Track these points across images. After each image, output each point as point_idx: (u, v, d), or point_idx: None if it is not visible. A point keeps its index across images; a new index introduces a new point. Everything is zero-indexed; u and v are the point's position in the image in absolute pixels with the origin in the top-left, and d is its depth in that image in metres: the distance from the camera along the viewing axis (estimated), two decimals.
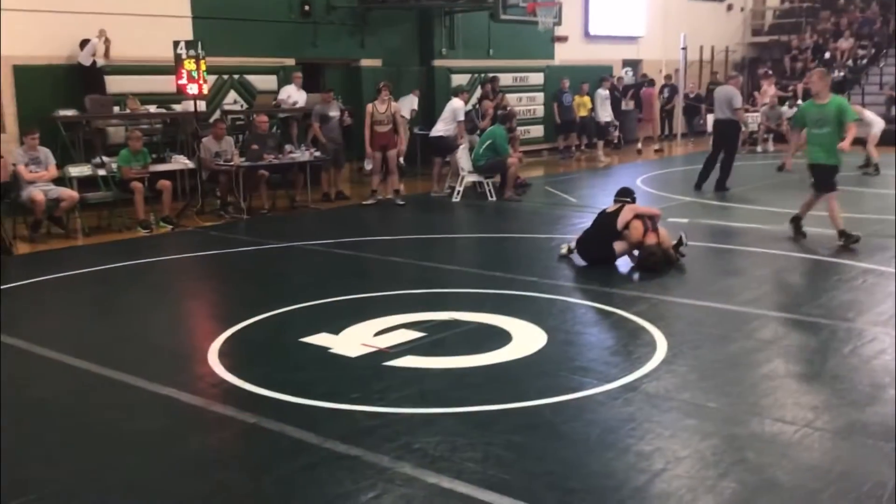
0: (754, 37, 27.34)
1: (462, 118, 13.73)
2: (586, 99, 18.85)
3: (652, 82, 21.44)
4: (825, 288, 7.43)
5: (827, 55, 24.45)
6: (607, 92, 18.67)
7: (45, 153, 10.33)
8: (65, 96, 12.27)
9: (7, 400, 4.89)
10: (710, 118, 20.40)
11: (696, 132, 21.60)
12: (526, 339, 5.87)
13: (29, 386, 5.20)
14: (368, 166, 12.76)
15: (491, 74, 17.76)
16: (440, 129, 13.77)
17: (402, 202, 12.52)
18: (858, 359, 5.45)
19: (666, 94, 21.59)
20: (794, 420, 4.42)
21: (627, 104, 21.47)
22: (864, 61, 24.12)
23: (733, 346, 5.75)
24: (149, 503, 3.75)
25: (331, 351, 5.70)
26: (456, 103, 13.81)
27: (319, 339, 5.94)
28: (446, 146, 13.65)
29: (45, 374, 5.44)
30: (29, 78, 12.11)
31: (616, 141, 20.42)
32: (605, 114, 18.60)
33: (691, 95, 21.21)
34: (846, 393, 4.83)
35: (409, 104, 15.92)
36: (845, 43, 24.37)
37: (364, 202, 12.61)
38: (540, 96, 20.10)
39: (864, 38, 24.74)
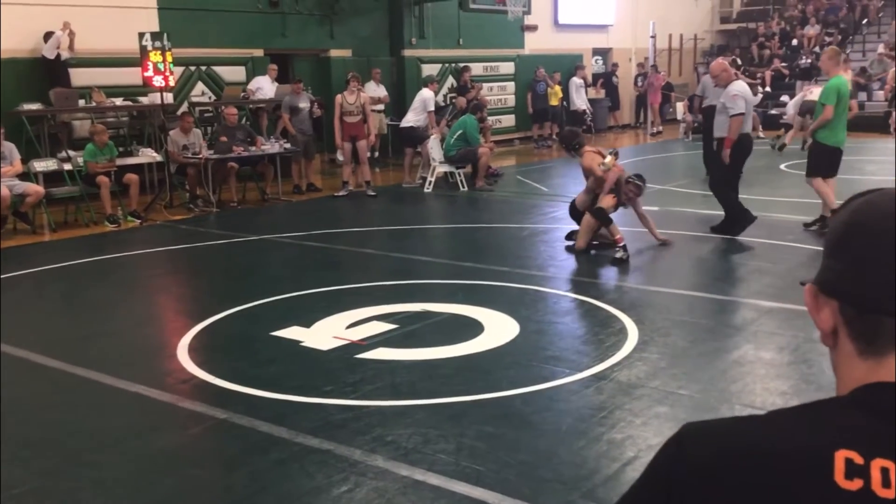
0: (722, 24, 27.52)
1: (432, 108, 13.69)
2: (557, 88, 18.87)
3: (655, 68, 21.53)
4: (796, 274, 7.50)
5: (794, 42, 24.67)
6: (581, 80, 18.70)
7: (9, 148, 10.17)
8: (29, 90, 12.07)
9: None
10: (679, 106, 20.74)
11: (666, 120, 21.72)
12: (498, 329, 5.88)
13: None
14: (340, 158, 12.68)
15: (461, 65, 17.72)
16: (410, 119, 13.73)
17: (373, 193, 12.48)
18: None
19: (640, 83, 21.69)
20: (764, 405, 4.46)
21: (598, 92, 21.51)
22: None
23: (703, 333, 5.80)
24: (120, 500, 3.72)
25: (302, 344, 5.67)
26: (426, 93, 13.77)
27: (291, 332, 5.90)
28: (417, 136, 13.61)
29: (14, 372, 5.36)
30: None
31: (589, 128, 20.49)
32: (581, 101, 18.62)
33: (661, 84, 21.29)
34: (815, 378, 4.88)
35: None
36: (812, 30, 24.60)
37: (335, 194, 12.55)
38: (511, 85, 20.08)
39: (831, 24, 24.99)
